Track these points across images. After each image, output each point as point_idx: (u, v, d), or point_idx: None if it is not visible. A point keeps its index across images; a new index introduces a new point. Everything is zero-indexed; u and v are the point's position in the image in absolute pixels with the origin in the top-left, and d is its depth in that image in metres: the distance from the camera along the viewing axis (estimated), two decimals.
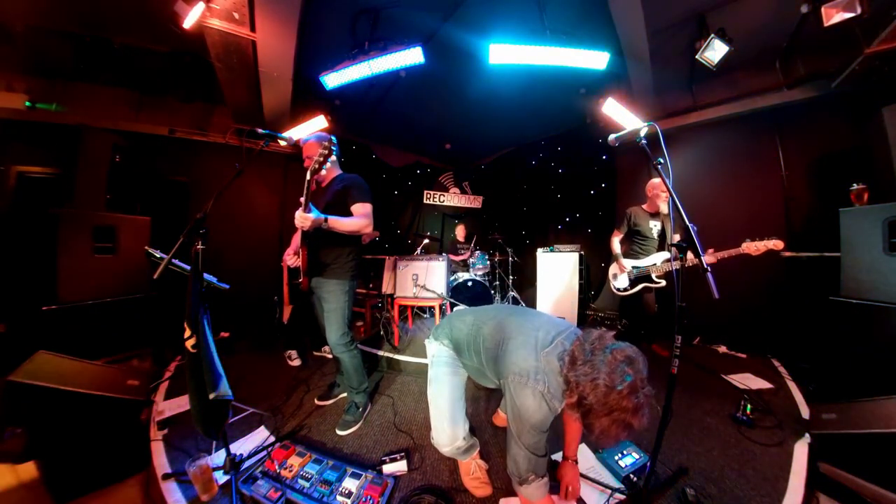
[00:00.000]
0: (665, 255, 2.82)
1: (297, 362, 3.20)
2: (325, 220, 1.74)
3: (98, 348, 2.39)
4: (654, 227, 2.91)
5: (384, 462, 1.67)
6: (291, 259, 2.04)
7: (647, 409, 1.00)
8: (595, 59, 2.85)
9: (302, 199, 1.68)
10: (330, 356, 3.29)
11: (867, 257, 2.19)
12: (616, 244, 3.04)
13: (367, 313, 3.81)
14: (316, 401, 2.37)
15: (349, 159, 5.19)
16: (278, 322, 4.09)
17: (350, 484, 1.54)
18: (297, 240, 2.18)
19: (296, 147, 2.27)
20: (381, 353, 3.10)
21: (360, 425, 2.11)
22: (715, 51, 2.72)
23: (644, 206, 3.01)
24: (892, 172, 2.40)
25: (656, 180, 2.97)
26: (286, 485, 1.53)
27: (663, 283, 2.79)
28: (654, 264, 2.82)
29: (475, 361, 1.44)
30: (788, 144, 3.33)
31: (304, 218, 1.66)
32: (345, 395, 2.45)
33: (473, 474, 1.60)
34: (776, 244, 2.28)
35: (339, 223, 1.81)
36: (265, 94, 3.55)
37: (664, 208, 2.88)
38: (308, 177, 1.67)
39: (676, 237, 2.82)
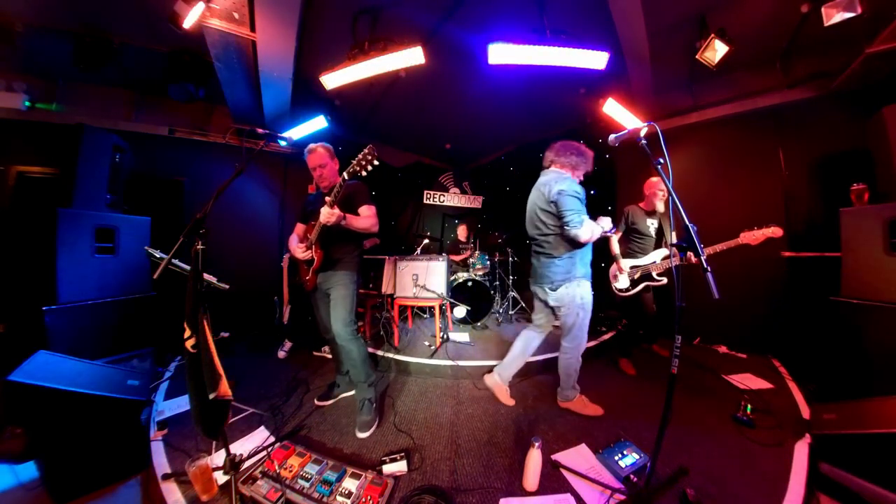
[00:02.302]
0: (664, 251, 2.82)
1: (281, 355, 3.25)
2: (344, 216, 1.91)
3: (98, 348, 2.39)
4: (652, 225, 2.92)
5: (384, 462, 1.66)
6: (301, 251, 2.11)
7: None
8: (595, 59, 2.84)
9: (328, 199, 1.86)
10: (330, 356, 3.30)
11: (868, 257, 2.19)
12: (614, 244, 3.04)
13: (367, 313, 3.81)
14: (316, 401, 2.37)
15: (349, 159, 5.13)
16: (278, 322, 4.10)
17: (350, 484, 1.54)
18: (298, 233, 2.27)
19: (292, 148, 2.31)
20: (380, 353, 3.10)
21: (378, 422, 2.13)
22: (715, 51, 2.71)
23: (641, 205, 3.03)
24: (892, 172, 2.40)
25: (654, 178, 2.99)
26: (286, 485, 1.53)
27: (664, 280, 2.79)
28: (654, 262, 2.82)
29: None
30: (788, 144, 3.33)
31: (331, 213, 1.84)
32: (345, 395, 2.47)
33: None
34: (774, 231, 2.25)
35: (355, 220, 2.01)
36: (265, 94, 3.54)
37: (661, 207, 2.89)
38: (346, 178, 1.82)
39: (673, 236, 2.83)
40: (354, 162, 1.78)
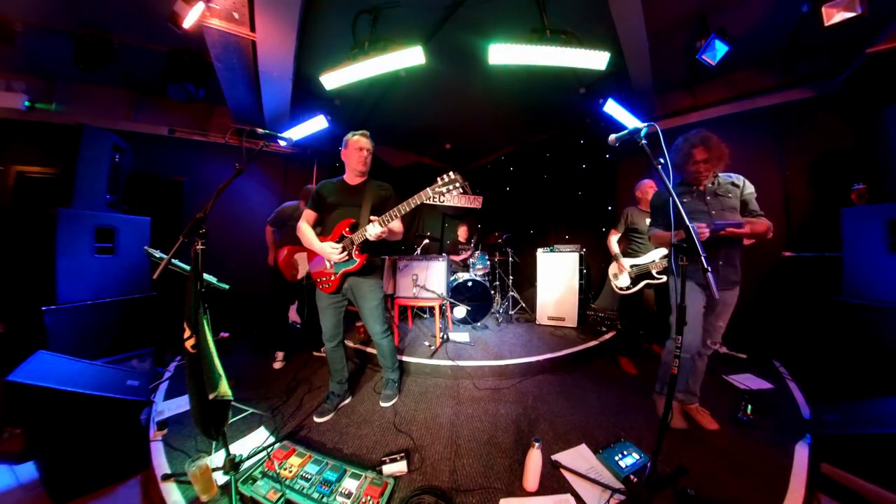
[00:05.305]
0: (662, 251, 2.85)
1: (278, 365, 3.12)
2: (388, 231, 1.97)
3: (98, 348, 2.39)
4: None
5: (384, 462, 1.66)
6: (337, 252, 2.02)
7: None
8: (595, 59, 2.84)
9: (378, 219, 1.90)
10: None
11: (868, 257, 2.19)
12: (614, 244, 3.06)
13: None
14: (315, 418, 2.19)
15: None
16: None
17: (350, 484, 1.54)
18: (309, 221, 2.17)
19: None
20: None
21: (399, 396, 2.45)
22: (715, 51, 2.72)
23: (639, 206, 3.06)
24: (892, 172, 2.40)
25: (646, 180, 3.06)
26: (286, 485, 1.53)
27: (664, 278, 2.80)
28: (654, 261, 2.84)
29: None
30: (788, 144, 3.33)
31: (381, 231, 1.91)
32: (344, 403, 2.41)
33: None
34: None
35: (396, 229, 2.07)
36: (265, 94, 3.54)
37: None
38: (430, 194, 1.81)
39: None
40: (440, 182, 1.72)
